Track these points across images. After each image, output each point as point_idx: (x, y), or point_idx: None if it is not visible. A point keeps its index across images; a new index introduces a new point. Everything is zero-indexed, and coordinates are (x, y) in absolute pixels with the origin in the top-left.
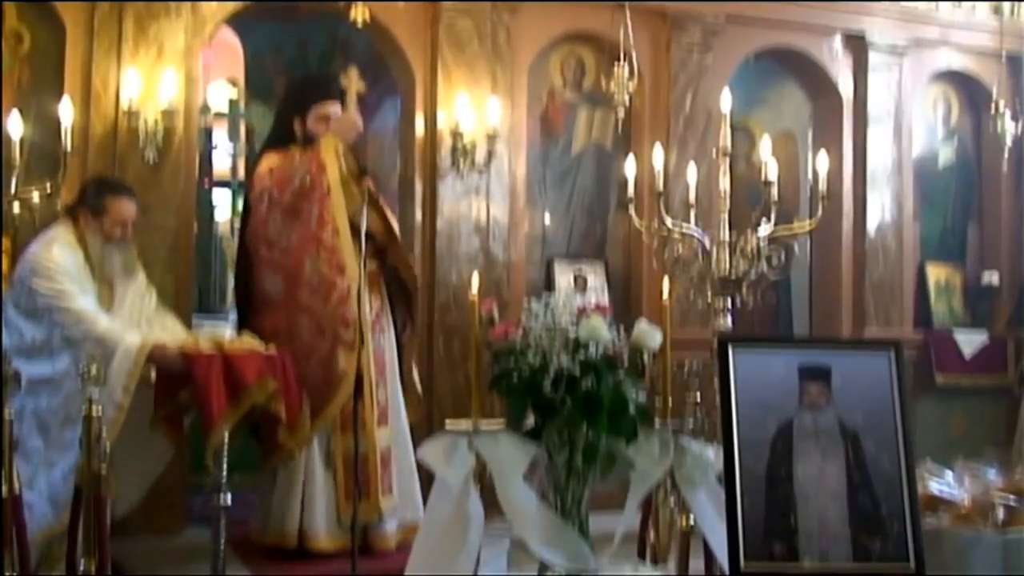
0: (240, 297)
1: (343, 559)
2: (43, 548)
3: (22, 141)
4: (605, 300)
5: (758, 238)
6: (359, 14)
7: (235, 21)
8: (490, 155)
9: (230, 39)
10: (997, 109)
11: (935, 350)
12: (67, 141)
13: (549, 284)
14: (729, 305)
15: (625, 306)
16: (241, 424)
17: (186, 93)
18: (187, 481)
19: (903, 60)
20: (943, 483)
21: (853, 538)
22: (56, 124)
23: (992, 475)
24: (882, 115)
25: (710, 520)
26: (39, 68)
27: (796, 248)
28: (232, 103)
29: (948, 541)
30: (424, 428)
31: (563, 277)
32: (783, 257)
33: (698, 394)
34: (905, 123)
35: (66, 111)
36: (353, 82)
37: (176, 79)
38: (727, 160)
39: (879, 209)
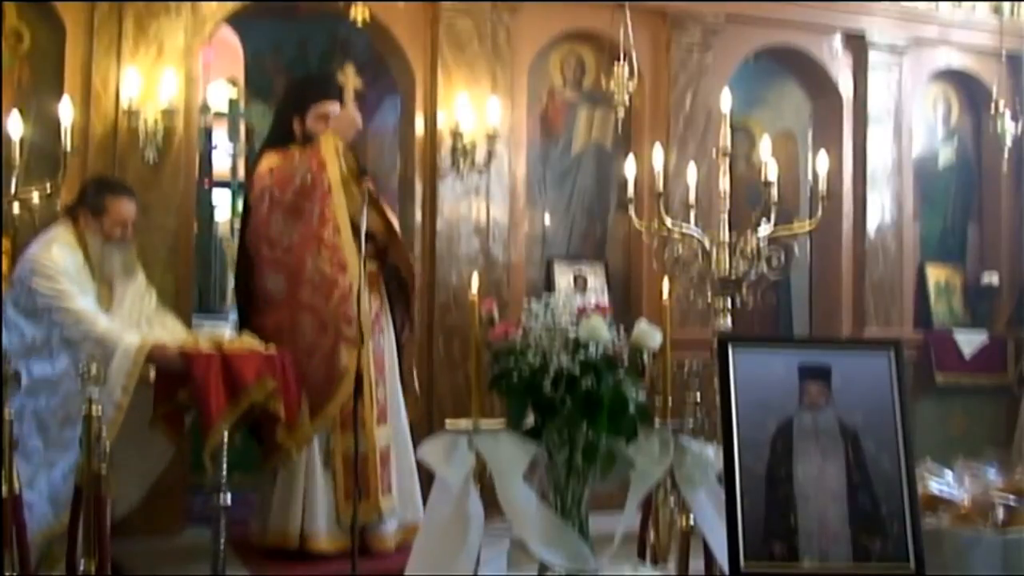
0: (241, 297)
1: (342, 560)
2: (43, 548)
3: (22, 141)
4: (605, 300)
5: (758, 238)
6: (359, 14)
7: (235, 20)
8: (490, 155)
9: (230, 38)
10: (997, 109)
11: (935, 350)
12: (67, 141)
13: (549, 284)
14: (729, 305)
15: (625, 306)
16: (240, 424)
17: (186, 93)
18: (187, 481)
19: (903, 60)
20: (943, 483)
21: (853, 538)
22: (56, 124)
23: (992, 475)
24: (882, 115)
25: (710, 520)
26: (39, 68)
27: (796, 248)
28: (232, 103)
29: (948, 541)
30: (424, 428)
31: (563, 277)
32: (783, 257)
33: (698, 394)
34: (905, 123)
35: (66, 111)
36: (350, 79)
37: (176, 79)
38: (727, 160)
39: (879, 209)
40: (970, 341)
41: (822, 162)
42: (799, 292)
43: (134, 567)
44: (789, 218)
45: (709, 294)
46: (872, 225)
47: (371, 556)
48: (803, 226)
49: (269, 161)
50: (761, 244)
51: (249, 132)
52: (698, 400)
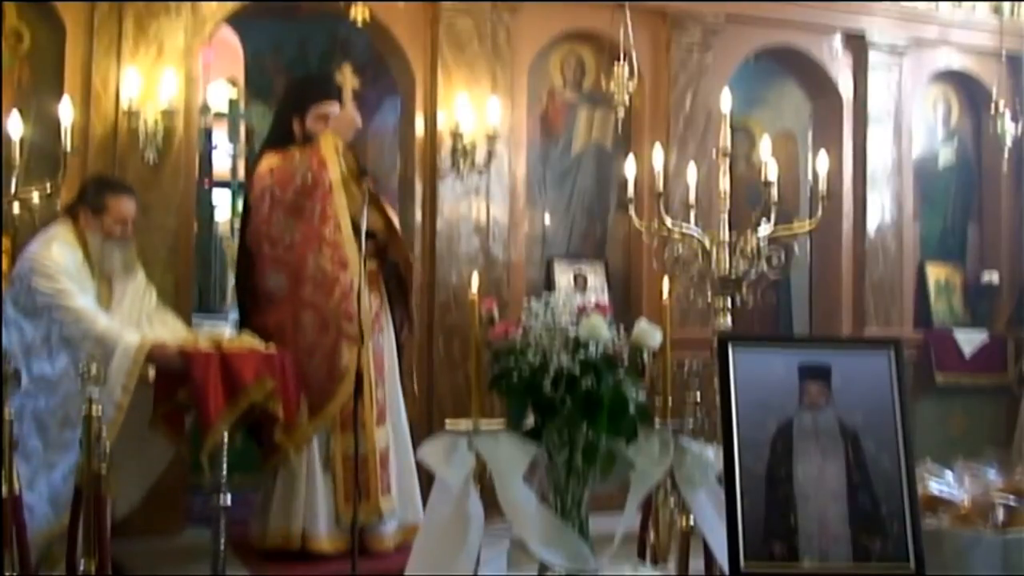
0: (241, 296)
1: (342, 560)
2: (43, 548)
3: (22, 141)
4: (605, 300)
5: (758, 238)
6: (359, 14)
7: (235, 20)
8: (490, 155)
9: (230, 39)
10: (997, 109)
11: (935, 350)
12: (67, 141)
13: (549, 284)
14: (729, 305)
15: (625, 306)
16: (240, 424)
17: (186, 93)
18: (187, 481)
19: (903, 60)
20: (943, 483)
21: (853, 538)
22: (56, 124)
23: (992, 475)
24: (882, 115)
25: (710, 520)
26: (39, 68)
27: (796, 248)
28: (232, 103)
29: (948, 541)
30: (424, 428)
31: (563, 277)
32: (783, 257)
33: (698, 394)
34: (905, 123)
35: (66, 111)
36: (348, 79)
37: (176, 79)
38: (727, 160)
39: (879, 209)
40: (970, 341)
41: (822, 162)
42: (799, 292)
43: (134, 567)
44: (789, 218)
45: (709, 294)
46: (872, 225)
47: (370, 556)
48: (803, 226)
49: (269, 161)
50: (761, 244)
51: (249, 132)
52: (698, 400)
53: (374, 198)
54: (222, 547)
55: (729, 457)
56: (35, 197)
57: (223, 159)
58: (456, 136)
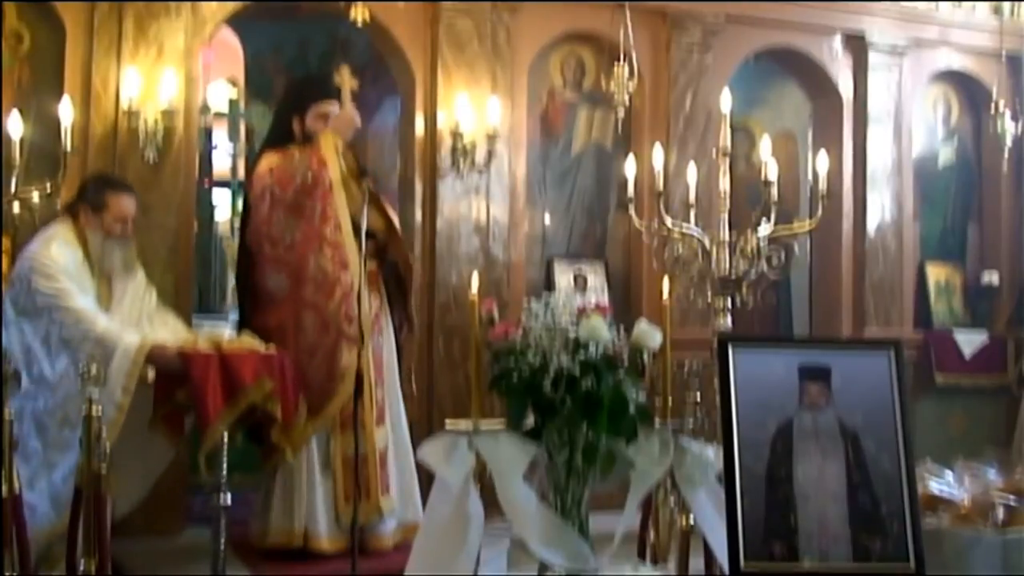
0: (242, 296)
1: (342, 559)
2: (43, 548)
3: (22, 141)
4: (605, 300)
5: (758, 238)
6: (359, 14)
7: (235, 21)
8: (490, 155)
9: (230, 39)
10: (997, 109)
11: (935, 350)
12: (67, 141)
13: (549, 284)
14: (729, 305)
15: (625, 306)
16: (239, 425)
17: (186, 93)
18: (187, 481)
19: (903, 60)
20: (943, 483)
21: (853, 538)
22: (56, 124)
23: (992, 475)
24: (882, 115)
25: (710, 520)
26: (39, 68)
27: (796, 248)
28: (232, 103)
29: (948, 541)
30: (424, 428)
31: (563, 277)
32: (783, 257)
33: (698, 394)
34: (905, 123)
35: (66, 111)
36: (346, 80)
37: (176, 79)
38: (727, 160)
39: (879, 209)
40: (970, 341)
41: (822, 162)
42: (799, 292)
43: (134, 567)
44: (789, 218)
45: (709, 294)
46: (872, 225)
47: (370, 555)
48: (803, 226)
49: (269, 161)
50: (761, 244)
51: (249, 132)
52: (698, 400)
53: (374, 198)
54: (222, 547)
55: (729, 457)
56: (35, 197)
57: (223, 159)
58: (456, 136)
